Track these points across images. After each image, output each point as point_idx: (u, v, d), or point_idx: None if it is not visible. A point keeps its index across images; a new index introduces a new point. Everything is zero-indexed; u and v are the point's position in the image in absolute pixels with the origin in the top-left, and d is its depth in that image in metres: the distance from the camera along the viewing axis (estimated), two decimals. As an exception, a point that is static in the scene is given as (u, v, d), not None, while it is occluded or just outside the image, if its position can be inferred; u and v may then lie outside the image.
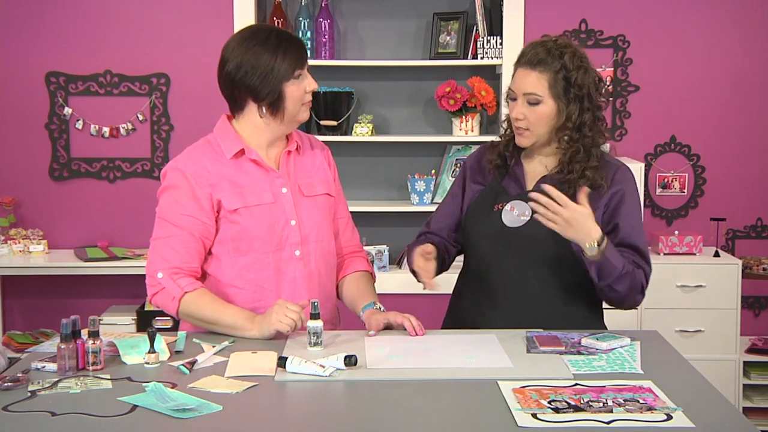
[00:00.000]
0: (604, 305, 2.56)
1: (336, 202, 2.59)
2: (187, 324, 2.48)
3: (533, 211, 2.38)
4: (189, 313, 2.37)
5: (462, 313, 2.54)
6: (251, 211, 2.40)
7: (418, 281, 2.41)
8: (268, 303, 2.38)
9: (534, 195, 2.28)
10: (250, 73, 2.36)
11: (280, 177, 2.45)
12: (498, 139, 2.57)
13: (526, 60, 2.39)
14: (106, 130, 4.44)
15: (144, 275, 2.43)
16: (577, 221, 2.24)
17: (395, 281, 4.12)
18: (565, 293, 2.43)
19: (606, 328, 2.49)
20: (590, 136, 2.40)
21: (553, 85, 2.36)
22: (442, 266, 2.52)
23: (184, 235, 2.38)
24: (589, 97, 2.39)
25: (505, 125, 2.53)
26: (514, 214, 2.44)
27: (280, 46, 2.38)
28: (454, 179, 2.65)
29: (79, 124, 4.43)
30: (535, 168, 2.49)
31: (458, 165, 4.43)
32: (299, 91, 2.40)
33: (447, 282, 2.65)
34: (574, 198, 2.29)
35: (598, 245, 2.26)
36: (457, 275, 2.63)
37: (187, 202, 2.39)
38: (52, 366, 2.06)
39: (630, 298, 2.40)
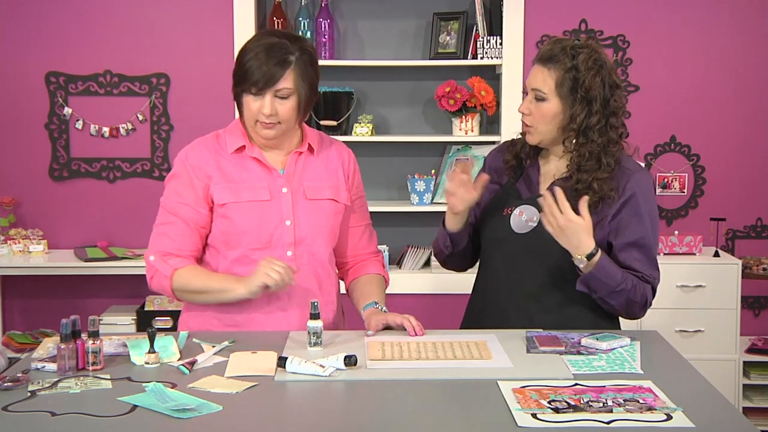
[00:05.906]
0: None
1: (348, 210, 2.55)
2: (186, 323, 2.49)
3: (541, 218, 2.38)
4: (180, 287, 2.40)
5: (479, 314, 2.54)
6: (242, 207, 2.40)
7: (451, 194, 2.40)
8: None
9: (543, 196, 2.29)
10: (235, 68, 2.38)
11: (282, 177, 2.44)
12: (516, 137, 2.55)
13: (540, 56, 2.40)
14: (106, 130, 4.43)
15: (143, 275, 2.46)
16: (571, 230, 2.25)
17: (395, 281, 4.08)
18: (574, 296, 2.39)
19: (619, 328, 2.47)
20: (598, 142, 2.35)
21: (560, 84, 2.34)
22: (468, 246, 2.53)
23: (178, 223, 2.42)
24: (601, 101, 2.34)
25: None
26: (522, 219, 2.43)
27: (259, 55, 2.31)
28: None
29: (79, 124, 4.43)
30: (551, 170, 2.47)
31: (458, 165, 4.41)
32: (251, 108, 2.35)
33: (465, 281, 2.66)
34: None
35: (588, 259, 2.27)
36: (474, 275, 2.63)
37: (185, 191, 2.42)
38: (52, 366, 2.06)
39: (628, 313, 2.40)
